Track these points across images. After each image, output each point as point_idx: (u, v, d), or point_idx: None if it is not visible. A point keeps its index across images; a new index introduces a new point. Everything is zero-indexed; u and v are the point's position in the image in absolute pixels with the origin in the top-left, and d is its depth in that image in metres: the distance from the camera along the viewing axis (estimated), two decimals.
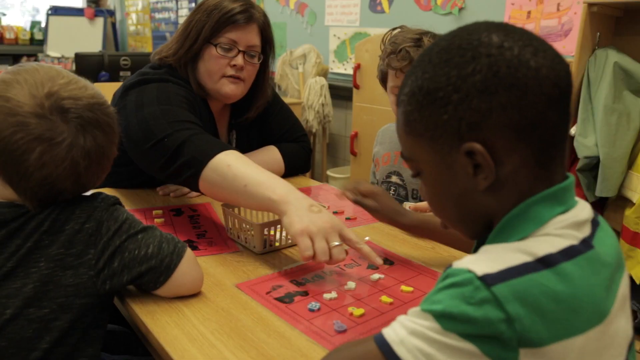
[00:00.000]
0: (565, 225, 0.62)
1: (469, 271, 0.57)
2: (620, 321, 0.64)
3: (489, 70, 0.60)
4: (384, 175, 1.64)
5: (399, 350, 0.59)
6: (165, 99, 1.43)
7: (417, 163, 0.70)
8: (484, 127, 0.61)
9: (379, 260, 1.06)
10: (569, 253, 0.59)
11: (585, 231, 0.63)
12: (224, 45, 1.53)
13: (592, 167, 2.26)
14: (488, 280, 0.56)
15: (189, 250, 1.00)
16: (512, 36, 0.62)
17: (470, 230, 0.72)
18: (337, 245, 1.05)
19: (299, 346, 0.86)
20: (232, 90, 1.58)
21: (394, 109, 1.54)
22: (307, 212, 1.08)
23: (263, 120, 1.80)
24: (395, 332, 0.61)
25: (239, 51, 1.55)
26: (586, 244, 0.62)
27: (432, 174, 0.69)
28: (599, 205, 2.29)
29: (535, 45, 0.61)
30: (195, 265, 1.01)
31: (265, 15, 1.61)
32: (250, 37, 1.56)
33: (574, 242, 0.61)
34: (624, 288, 0.66)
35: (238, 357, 0.83)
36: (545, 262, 0.58)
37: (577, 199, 0.67)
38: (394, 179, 1.60)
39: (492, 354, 0.56)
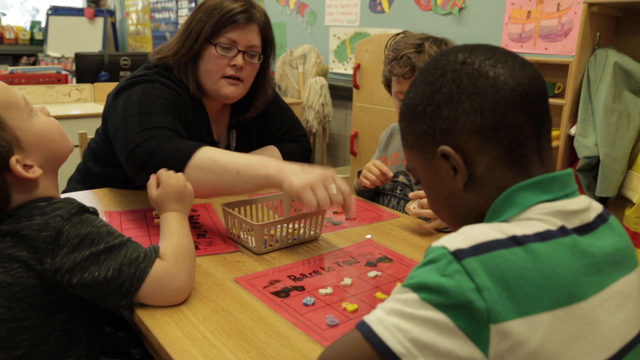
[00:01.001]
0: (547, 212, 0.66)
1: (443, 247, 0.62)
2: (610, 315, 0.65)
3: (453, 83, 0.70)
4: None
5: (377, 329, 0.61)
6: (147, 103, 1.42)
7: (415, 173, 0.79)
8: (454, 132, 0.70)
9: (351, 214, 1.22)
10: (543, 236, 0.63)
11: (574, 221, 0.67)
12: (223, 45, 1.53)
13: (592, 167, 2.27)
14: (459, 254, 0.60)
15: (155, 269, 0.94)
16: (475, 53, 0.71)
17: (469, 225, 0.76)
18: (336, 193, 1.17)
19: (299, 346, 0.86)
20: (231, 91, 1.58)
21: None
22: (301, 171, 1.20)
23: (263, 120, 1.80)
24: (374, 315, 0.64)
25: (239, 51, 1.55)
26: (564, 231, 0.65)
27: (426, 180, 0.78)
28: None
29: (496, 58, 0.70)
30: (168, 281, 0.95)
31: (265, 16, 1.61)
32: (250, 37, 1.56)
33: (552, 227, 0.65)
34: (622, 285, 0.68)
35: (238, 357, 0.83)
36: (517, 241, 0.62)
37: (578, 193, 0.71)
38: (402, 178, 1.61)
39: (464, 327, 0.58)
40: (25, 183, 0.94)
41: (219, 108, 1.71)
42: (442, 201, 0.77)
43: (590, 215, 0.70)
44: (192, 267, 1.02)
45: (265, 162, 1.24)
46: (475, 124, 0.68)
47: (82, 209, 0.95)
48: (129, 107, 1.41)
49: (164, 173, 1.17)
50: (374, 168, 1.55)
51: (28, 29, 6.88)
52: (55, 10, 6.62)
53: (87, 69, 3.91)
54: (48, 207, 0.93)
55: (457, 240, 0.62)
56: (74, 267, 0.89)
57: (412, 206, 1.39)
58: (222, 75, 1.55)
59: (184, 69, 1.56)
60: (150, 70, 1.55)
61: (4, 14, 7.03)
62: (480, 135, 0.68)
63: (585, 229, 0.68)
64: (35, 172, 0.94)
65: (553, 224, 0.65)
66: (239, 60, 1.55)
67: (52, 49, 6.41)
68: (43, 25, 6.76)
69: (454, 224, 0.78)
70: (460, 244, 0.61)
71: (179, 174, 1.17)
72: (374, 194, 1.71)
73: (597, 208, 0.73)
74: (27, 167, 0.93)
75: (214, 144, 1.68)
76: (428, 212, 1.35)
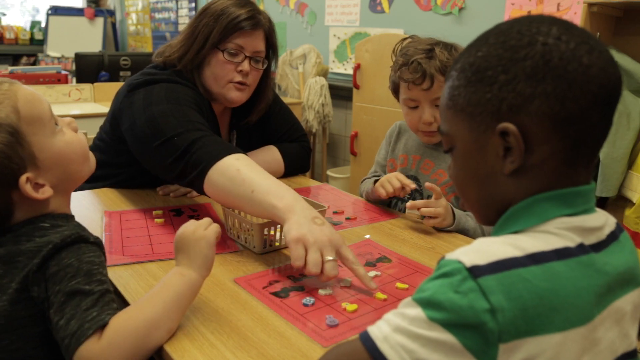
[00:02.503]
0: (566, 227, 0.63)
1: (459, 262, 0.59)
2: (606, 332, 0.64)
3: (541, 58, 0.61)
4: None
5: (382, 346, 0.60)
6: (175, 99, 1.42)
7: (452, 138, 0.71)
8: (524, 111, 0.62)
9: (372, 285, 1.03)
10: (561, 253, 0.61)
11: (591, 238, 0.65)
12: (231, 50, 1.54)
13: None
14: (475, 271, 0.58)
15: (82, 350, 0.78)
16: (571, 32, 0.63)
17: (484, 215, 0.74)
18: (331, 260, 1.02)
19: (299, 346, 0.86)
20: (237, 96, 1.59)
21: (408, 120, 1.53)
22: (308, 222, 1.07)
23: (263, 121, 1.81)
24: (380, 329, 0.62)
25: (245, 57, 1.56)
26: (582, 249, 0.63)
27: (464, 150, 0.70)
28: (599, 206, 2.28)
29: (591, 45, 0.62)
30: (113, 349, 0.80)
31: (270, 21, 1.62)
32: (257, 42, 1.57)
33: (570, 244, 0.62)
34: (624, 303, 0.67)
35: (238, 357, 0.83)
36: (535, 259, 0.59)
37: (597, 209, 0.68)
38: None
39: (472, 347, 0.57)
40: (32, 201, 0.88)
41: (222, 109, 1.71)
42: (474, 179, 0.70)
43: (605, 232, 0.67)
44: (136, 347, 0.82)
45: (281, 192, 1.14)
46: (552, 110, 0.61)
47: (80, 239, 0.87)
48: (153, 101, 1.41)
49: (206, 219, 1.01)
50: (395, 181, 1.46)
51: (28, 29, 6.88)
52: (55, 10, 6.62)
53: (87, 69, 3.90)
54: (51, 229, 0.88)
55: (474, 255, 0.60)
56: (47, 298, 0.83)
57: (415, 208, 1.37)
58: (229, 80, 1.56)
59: (190, 74, 1.57)
60: (166, 71, 1.55)
61: (4, 14, 7.03)
62: (552, 123, 0.62)
63: (599, 246, 0.65)
64: (45, 192, 0.89)
65: (572, 240, 0.63)
66: (245, 66, 1.56)
67: (52, 49, 6.41)
68: (43, 25, 6.76)
69: (473, 207, 0.74)
70: (477, 260, 0.59)
71: (216, 228, 0.99)
72: (387, 203, 1.66)
73: (611, 224, 0.70)
74: (37, 186, 0.88)
75: None
76: (429, 210, 1.34)
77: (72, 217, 0.96)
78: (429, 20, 3.35)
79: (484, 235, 1.43)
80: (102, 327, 0.80)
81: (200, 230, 0.96)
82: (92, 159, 1.02)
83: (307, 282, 1.08)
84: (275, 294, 1.02)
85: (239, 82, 1.57)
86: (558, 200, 0.64)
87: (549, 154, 0.63)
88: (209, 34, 1.52)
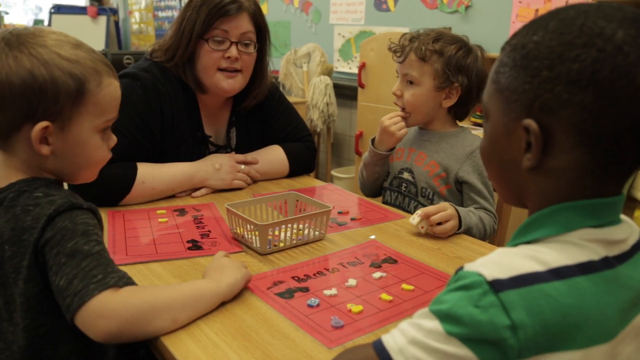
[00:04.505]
0: (591, 239, 0.61)
1: (479, 274, 0.57)
2: (625, 347, 0.63)
3: (590, 65, 0.56)
4: (396, 170, 1.63)
5: (397, 359, 0.59)
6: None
7: (487, 112, 0.69)
8: (555, 115, 0.59)
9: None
10: (585, 268, 0.59)
11: (614, 250, 0.62)
12: (216, 38, 1.54)
13: None
14: (497, 285, 0.56)
15: (102, 297, 0.80)
16: (638, 42, 0.56)
17: (503, 194, 0.73)
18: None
19: (303, 347, 0.85)
20: (229, 84, 1.59)
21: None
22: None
23: (267, 120, 1.80)
24: (395, 340, 0.61)
25: (232, 42, 1.55)
26: (607, 262, 0.60)
27: (494, 129, 0.68)
28: None
29: None
30: (115, 314, 0.80)
31: (255, 3, 1.61)
32: (241, 25, 1.56)
33: (594, 257, 0.60)
34: None
35: (242, 357, 0.82)
36: (558, 274, 0.57)
37: (623, 219, 0.66)
38: (406, 175, 1.60)
39: None
40: (27, 153, 0.89)
41: (219, 104, 1.70)
42: (498, 160, 0.69)
43: (629, 243, 0.65)
44: (139, 320, 0.83)
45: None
46: (583, 124, 0.57)
47: (73, 206, 0.87)
48: None
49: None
50: (387, 121, 1.57)
51: None
52: (58, 9, 6.63)
53: None
54: (44, 198, 0.87)
55: (495, 268, 0.58)
56: (46, 262, 0.84)
57: (417, 214, 1.34)
58: (217, 68, 1.57)
59: (182, 69, 1.58)
60: (146, 63, 1.62)
61: (7, 13, 7.03)
62: (579, 136, 0.58)
63: (622, 258, 0.63)
64: (44, 150, 0.88)
65: (596, 253, 0.60)
66: (232, 51, 1.56)
67: None
68: (46, 23, 6.76)
69: (494, 182, 0.74)
70: (499, 274, 0.57)
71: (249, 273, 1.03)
72: (379, 189, 1.70)
73: (635, 234, 0.67)
74: (45, 140, 0.88)
75: (205, 138, 1.69)
76: (432, 211, 1.32)
77: (62, 183, 0.97)
78: (435, 19, 3.34)
79: (486, 231, 1.42)
80: (106, 290, 0.81)
81: (238, 263, 1.03)
82: (94, 175, 1.01)
83: (312, 283, 1.06)
84: (280, 294, 1.01)
85: (228, 69, 1.57)
86: (584, 210, 0.62)
87: (572, 164, 0.60)
88: (193, 26, 1.53)
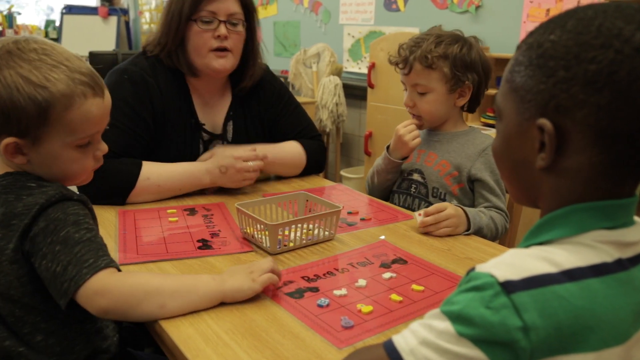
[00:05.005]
0: (604, 241, 0.60)
1: (491, 276, 0.57)
2: (637, 352, 0.62)
3: (607, 67, 0.56)
4: (406, 172, 1.62)
5: (408, 359, 0.59)
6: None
7: (500, 111, 0.69)
8: (570, 115, 0.59)
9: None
10: (598, 270, 0.58)
11: (628, 252, 0.61)
12: (204, 18, 1.56)
13: None
14: (509, 287, 0.56)
15: (96, 279, 0.87)
16: None
17: (516, 194, 0.73)
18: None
19: (313, 347, 0.85)
20: (221, 64, 1.61)
21: (404, 102, 1.59)
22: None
23: (276, 120, 1.80)
24: (406, 341, 0.61)
25: (220, 22, 1.57)
26: (620, 264, 0.60)
27: (508, 129, 0.68)
28: None
29: None
30: (108, 292, 0.87)
31: None
32: (228, 5, 1.59)
33: (607, 259, 0.60)
34: None
35: (252, 357, 0.82)
36: (570, 275, 0.57)
37: (637, 220, 0.65)
38: (416, 176, 1.59)
39: None
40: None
41: (214, 90, 1.72)
42: (510, 160, 0.69)
43: None
44: (130, 300, 0.89)
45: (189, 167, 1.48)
46: (599, 124, 0.57)
47: (64, 197, 0.92)
48: None
49: (269, 265, 1.03)
50: (402, 129, 1.55)
51: (42, 27, 6.93)
52: (70, 9, 6.67)
53: (100, 67, 3.92)
54: (37, 189, 0.92)
55: (507, 269, 0.57)
56: (38, 251, 0.88)
57: (418, 213, 1.35)
58: (209, 48, 1.59)
59: (175, 55, 1.61)
60: (137, 59, 1.63)
61: (19, 13, 7.08)
62: (594, 136, 0.58)
63: (636, 260, 0.62)
64: (19, 160, 0.93)
65: (609, 255, 0.60)
66: (222, 30, 1.58)
67: (67, 48, 6.45)
68: (57, 24, 6.81)
69: (505, 181, 0.73)
70: (511, 275, 0.56)
71: (268, 278, 1.00)
72: (387, 194, 1.69)
73: None
74: (19, 151, 0.91)
75: (199, 126, 1.70)
76: (440, 215, 1.32)
77: None
78: (445, 19, 3.33)
79: (497, 231, 1.41)
80: (99, 271, 0.87)
81: (256, 273, 0.99)
82: (83, 180, 1.03)
83: (322, 282, 1.06)
84: (290, 294, 1.01)
85: (219, 49, 1.59)
86: (597, 211, 0.61)
87: (586, 164, 0.60)
88: (181, 9, 1.56)
